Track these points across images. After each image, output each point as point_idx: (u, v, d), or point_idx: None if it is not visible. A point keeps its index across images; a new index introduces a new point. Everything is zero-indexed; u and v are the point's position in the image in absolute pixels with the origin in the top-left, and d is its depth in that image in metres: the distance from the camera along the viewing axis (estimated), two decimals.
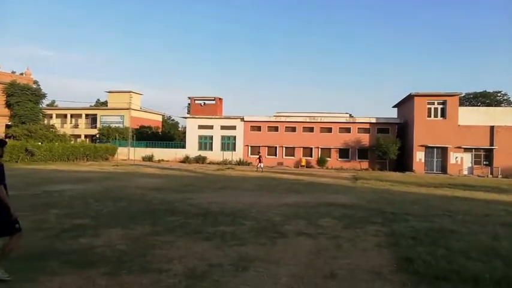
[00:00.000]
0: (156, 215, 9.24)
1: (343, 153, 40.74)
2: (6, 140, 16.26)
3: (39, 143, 34.23)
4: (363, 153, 40.13)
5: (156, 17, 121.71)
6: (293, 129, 42.00)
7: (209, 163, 40.88)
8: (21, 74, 42.96)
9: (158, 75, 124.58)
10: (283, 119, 42.49)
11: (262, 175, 25.75)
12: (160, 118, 62.92)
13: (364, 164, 39.44)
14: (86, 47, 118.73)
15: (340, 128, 40.93)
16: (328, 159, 40.41)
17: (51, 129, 40.13)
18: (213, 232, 7.43)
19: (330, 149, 40.86)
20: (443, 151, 36.14)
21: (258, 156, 32.56)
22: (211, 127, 43.94)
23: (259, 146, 42.30)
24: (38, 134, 36.85)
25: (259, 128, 42.87)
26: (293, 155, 41.66)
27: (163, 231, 7.44)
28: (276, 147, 41.99)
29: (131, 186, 15.99)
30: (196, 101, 46.09)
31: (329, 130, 41.17)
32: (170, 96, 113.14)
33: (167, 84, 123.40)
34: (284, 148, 41.80)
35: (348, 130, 40.75)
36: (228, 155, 41.64)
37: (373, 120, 40.32)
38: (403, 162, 38.08)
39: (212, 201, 11.87)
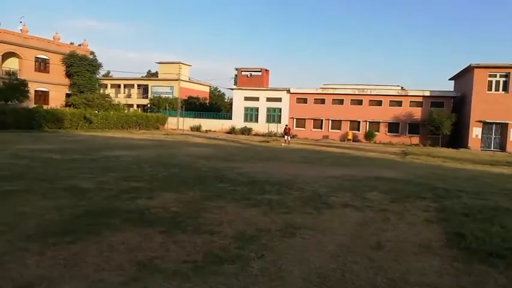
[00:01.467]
0: (205, 181, 9.65)
1: (393, 127, 39.30)
2: None
3: (96, 112, 36.32)
4: (413, 127, 38.47)
5: None
6: (340, 102, 41.01)
7: (254, 134, 41.30)
8: (79, 45, 45.08)
9: (207, 46, 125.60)
10: (330, 91, 41.54)
11: (306, 147, 25.68)
12: (207, 89, 63.98)
13: (415, 139, 37.89)
14: (138, 19, 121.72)
15: (390, 101, 39.33)
16: (377, 133, 39.25)
17: (106, 99, 42.30)
18: (260, 199, 7.65)
19: (378, 122, 39.57)
20: (503, 128, 33.71)
21: (284, 128, 31.16)
22: (257, 99, 44.04)
23: (304, 119, 41.93)
24: (95, 103, 39.03)
25: (305, 101, 42.32)
26: (339, 129, 40.89)
27: (213, 196, 7.78)
28: (321, 120, 41.39)
29: (181, 154, 16.68)
30: (243, 73, 46.18)
31: (379, 103, 39.72)
32: (218, 67, 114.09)
33: (215, 55, 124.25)
34: (330, 121, 41.10)
35: (399, 103, 39.07)
36: (273, 127, 41.72)
37: (427, 94, 38.24)
38: (457, 139, 36.09)
39: (258, 171, 12.12)
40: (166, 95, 52.34)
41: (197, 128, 44.46)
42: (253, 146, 25.45)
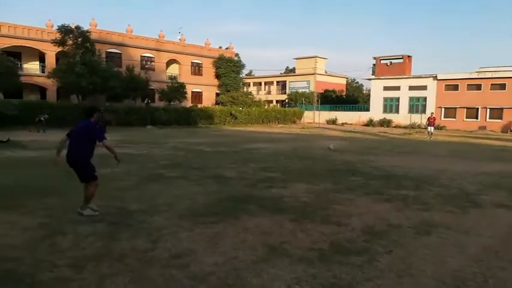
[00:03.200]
0: (337, 174, 9.65)
1: None
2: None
3: (240, 108, 39.59)
4: None
5: None
6: (501, 87, 34.99)
7: (394, 126, 38.74)
8: (226, 48, 49.72)
9: (343, 37, 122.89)
10: (488, 74, 35.83)
11: (457, 140, 22.83)
12: (344, 81, 62.70)
13: None
14: (276, 19, 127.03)
15: None
16: None
17: (249, 96, 45.67)
18: (395, 195, 7.28)
19: None
20: None
21: (428, 118, 27.18)
22: (397, 88, 41.11)
23: (455, 108, 37.27)
24: (239, 101, 42.61)
25: (455, 87, 37.54)
26: (500, 118, 34.98)
27: (344, 189, 7.75)
28: (477, 108, 36.09)
29: (316, 147, 16.92)
30: (381, 61, 43.68)
31: None
32: (355, 59, 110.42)
33: (352, 46, 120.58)
34: (488, 110, 35.50)
35: None
36: (416, 118, 38.32)
37: None
38: None
39: (395, 165, 11.45)
40: (303, 90, 53.38)
41: (333, 121, 44.13)
42: (392, 138, 23.95)
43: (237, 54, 50.06)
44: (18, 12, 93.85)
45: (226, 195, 7.03)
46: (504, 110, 34.73)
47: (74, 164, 5.52)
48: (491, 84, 35.44)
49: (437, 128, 34.65)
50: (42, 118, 22.53)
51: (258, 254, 4.23)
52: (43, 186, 7.46)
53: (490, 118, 35.58)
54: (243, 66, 47.88)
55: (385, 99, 42.22)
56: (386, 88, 41.98)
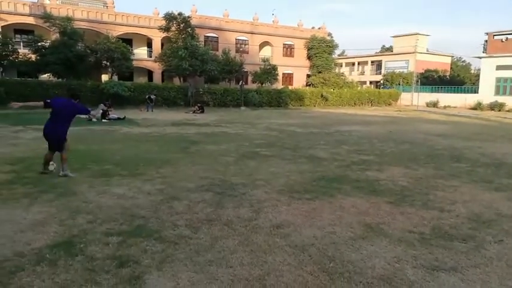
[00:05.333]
0: (439, 159, 9.09)
1: None
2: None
3: (331, 90, 38.79)
4: None
5: None
6: None
7: (508, 111, 34.30)
8: (319, 28, 48.70)
9: (448, 12, 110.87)
10: None
11: None
12: (448, 60, 57.00)
13: None
14: None
15: None
16: None
17: (341, 77, 44.34)
18: (507, 184, 6.67)
19: None
20: None
21: None
22: None
23: None
24: (330, 82, 41.69)
25: None
26: None
27: (447, 175, 7.32)
28: None
29: (413, 130, 15.98)
30: (495, 37, 38.58)
31: None
32: (462, 35, 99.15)
33: (458, 21, 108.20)
34: None
35: None
36: None
37: None
38: None
39: (508, 152, 10.33)
40: (401, 70, 49.99)
41: (434, 104, 40.69)
42: (505, 123, 21.34)
43: (329, 34, 48.64)
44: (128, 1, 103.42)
45: (320, 175, 7.18)
46: None
47: (57, 139, 6.51)
48: None
49: None
50: (151, 96, 25.10)
51: (355, 231, 4.34)
52: (158, 158, 8.46)
53: None
54: (335, 46, 46.43)
55: (498, 79, 37.44)
56: (499, 67, 37.13)
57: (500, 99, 36.39)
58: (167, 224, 4.44)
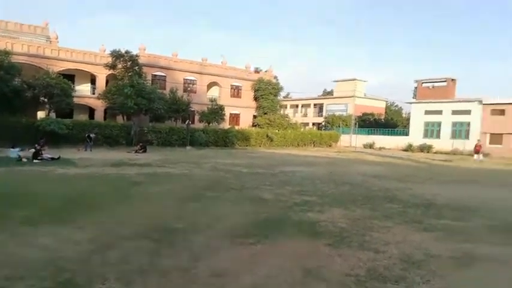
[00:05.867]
0: (375, 200, 9.55)
1: None
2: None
3: (276, 131, 39.92)
4: None
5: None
6: None
7: (435, 152, 37.36)
8: (266, 71, 50.73)
9: (384, 60, 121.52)
10: None
11: (505, 168, 21.70)
12: (383, 105, 61.63)
13: None
14: (316, 43, 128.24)
15: None
16: None
17: (285, 119, 45.95)
18: (434, 224, 7.13)
19: None
20: None
21: (475, 145, 26.37)
22: (439, 112, 39.84)
23: (501, 134, 35.48)
24: (275, 123, 42.98)
25: (502, 112, 35.81)
26: None
27: (381, 216, 7.68)
28: None
29: (352, 172, 16.75)
30: (423, 84, 42.68)
31: None
32: (395, 82, 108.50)
33: (392, 69, 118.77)
34: None
35: None
36: (459, 144, 36.84)
37: None
38: None
39: (437, 193, 11.13)
40: (341, 113, 53.03)
41: (370, 145, 43.28)
42: (433, 165, 23.16)
43: (275, 77, 50.78)
44: (74, 37, 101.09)
45: (264, 217, 7.20)
46: None
47: None
48: None
49: (482, 155, 33.10)
50: (91, 135, 24.03)
51: (295, 277, 4.35)
52: (93, 202, 7.98)
53: None
54: (281, 88, 48.45)
55: (426, 123, 41.02)
56: (427, 112, 40.84)
57: (429, 141, 39.68)
58: (96, 277, 4.13)
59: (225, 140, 34.15)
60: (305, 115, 60.92)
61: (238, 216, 7.17)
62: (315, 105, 60.53)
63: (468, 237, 6.25)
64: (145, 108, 29.37)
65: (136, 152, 23.06)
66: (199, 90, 42.11)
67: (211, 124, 36.20)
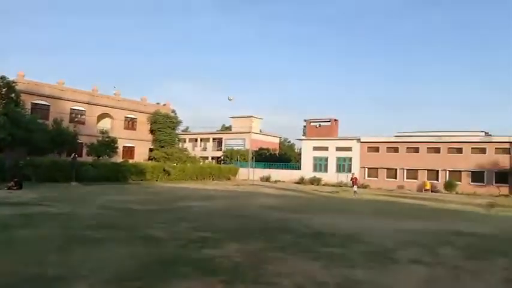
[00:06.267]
0: (270, 232, 9.83)
1: (477, 176, 36.09)
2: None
3: (174, 164, 39.02)
4: (501, 176, 34.91)
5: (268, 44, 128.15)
6: (415, 150, 39.11)
7: (324, 184, 40.71)
8: (164, 104, 49.89)
9: (278, 99, 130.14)
10: (404, 139, 39.98)
11: (379, 198, 24.60)
12: (277, 140, 65.45)
13: (504, 190, 34.21)
14: (218, 80, 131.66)
15: (472, 148, 36.57)
16: (458, 183, 36.23)
17: (184, 152, 45.41)
18: (322, 252, 7.61)
19: (459, 171, 36.69)
20: None
21: (351, 178, 29.42)
22: (326, 148, 43.90)
23: (377, 168, 40.48)
24: (173, 157, 42.09)
25: (377, 149, 41.12)
26: (416, 178, 38.63)
27: (275, 247, 7.92)
28: (395, 169, 39.61)
29: (250, 204, 17.12)
30: (311, 123, 46.79)
31: (459, 151, 37.14)
32: (288, 119, 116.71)
33: (285, 107, 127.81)
34: (405, 170, 39.13)
35: (482, 151, 36.12)
36: (343, 177, 40.81)
37: None
38: None
39: (325, 222, 11.99)
40: (238, 147, 54.59)
41: (267, 179, 45.16)
42: (322, 196, 25.08)
43: (173, 111, 50.28)
44: None
45: (155, 258, 6.79)
46: (418, 171, 38.51)
47: None
48: (407, 147, 39.49)
49: (361, 186, 37.08)
50: None
51: None
52: None
53: (407, 178, 39.09)
54: (179, 122, 48.08)
55: (315, 158, 44.65)
56: (316, 148, 44.59)
57: (318, 174, 43.11)
58: None
59: (118, 174, 31.99)
60: (204, 149, 61.07)
61: (128, 259, 6.64)
62: (214, 139, 61.27)
63: (349, 263, 6.78)
64: (22, 139, 26.11)
65: (9, 188, 20.12)
66: (88, 122, 39.28)
67: (102, 157, 33.73)
